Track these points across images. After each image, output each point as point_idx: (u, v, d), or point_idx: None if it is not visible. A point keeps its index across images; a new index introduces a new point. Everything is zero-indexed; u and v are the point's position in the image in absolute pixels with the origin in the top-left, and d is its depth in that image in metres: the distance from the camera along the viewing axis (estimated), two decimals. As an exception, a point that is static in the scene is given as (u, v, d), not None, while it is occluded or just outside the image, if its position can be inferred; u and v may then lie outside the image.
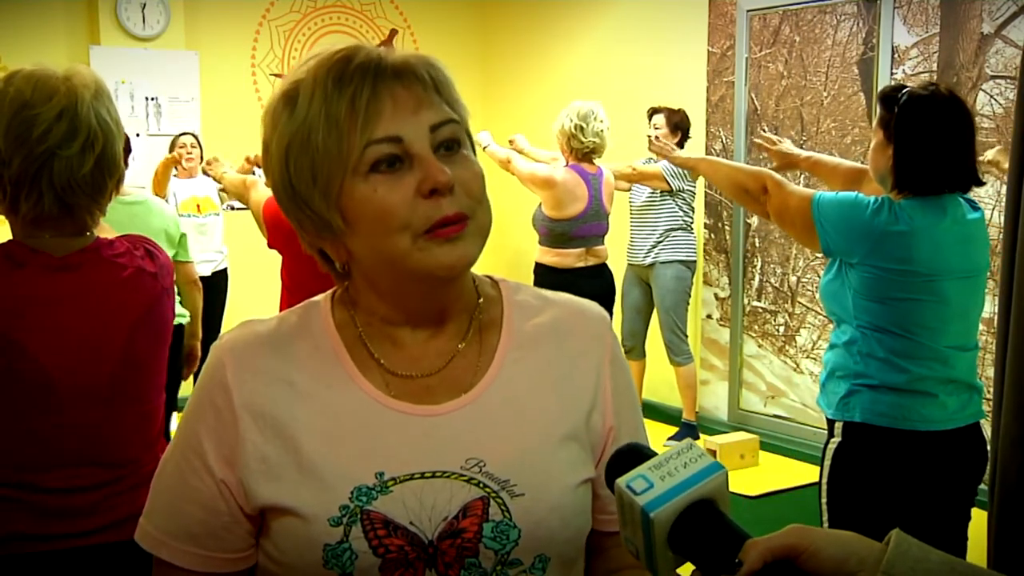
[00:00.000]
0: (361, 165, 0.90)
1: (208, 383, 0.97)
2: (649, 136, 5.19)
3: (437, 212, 0.90)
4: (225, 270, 5.49)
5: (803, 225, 2.30)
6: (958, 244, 2.23)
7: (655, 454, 0.82)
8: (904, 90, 2.26)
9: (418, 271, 0.92)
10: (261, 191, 3.25)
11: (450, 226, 0.91)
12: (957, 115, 2.23)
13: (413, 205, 0.90)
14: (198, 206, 5.32)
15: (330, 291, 1.04)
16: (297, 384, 0.96)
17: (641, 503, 0.77)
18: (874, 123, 2.35)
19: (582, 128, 4.36)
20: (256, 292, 5.08)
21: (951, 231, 2.22)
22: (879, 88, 4.68)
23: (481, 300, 1.04)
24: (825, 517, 2.33)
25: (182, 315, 4.35)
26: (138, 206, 3.46)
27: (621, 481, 0.80)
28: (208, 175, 3.90)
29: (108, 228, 1.71)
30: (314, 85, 0.92)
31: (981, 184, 2.31)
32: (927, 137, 2.21)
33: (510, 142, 5.02)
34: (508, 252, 6.48)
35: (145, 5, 5.75)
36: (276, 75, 6.45)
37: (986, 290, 2.38)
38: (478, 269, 1.04)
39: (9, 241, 1.57)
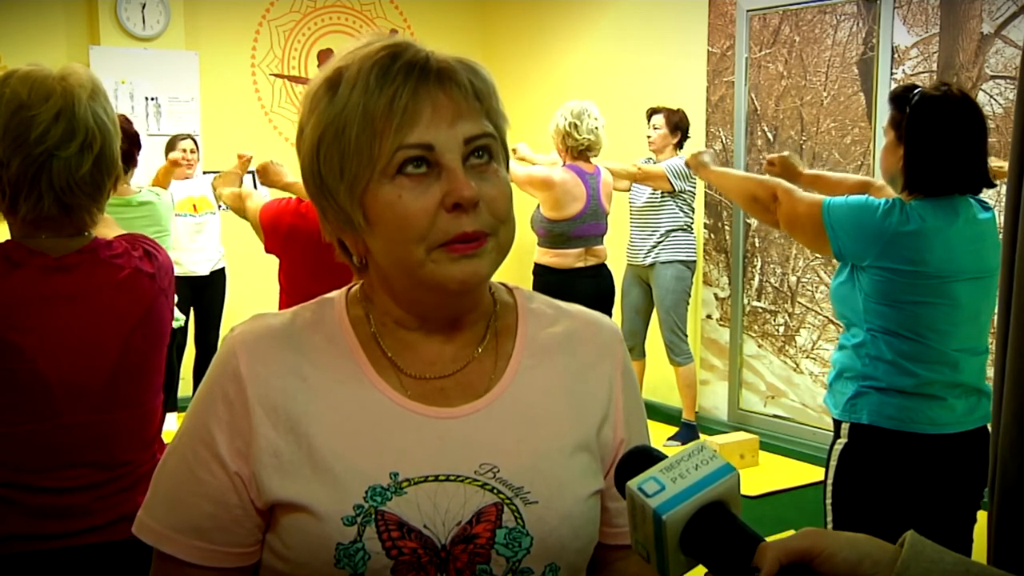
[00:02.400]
0: (389, 167, 0.90)
1: (220, 374, 0.96)
2: (649, 136, 5.21)
3: (456, 228, 0.90)
4: (223, 269, 5.50)
5: (814, 231, 2.28)
6: (970, 245, 2.22)
7: (665, 456, 0.81)
8: (916, 90, 2.24)
9: (429, 282, 0.92)
10: (256, 200, 3.29)
11: (468, 243, 0.90)
12: (969, 116, 2.21)
13: (434, 217, 0.89)
14: (194, 206, 5.32)
15: (344, 288, 1.04)
16: (310, 379, 0.95)
17: (653, 505, 0.77)
18: (884, 123, 2.33)
19: (576, 126, 4.37)
20: (255, 291, 5.08)
21: (963, 232, 2.21)
22: (879, 88, 4.68)
23: (497, 307, 1.04)
24: (829, 518, 2.32)
25: (177, 319, 4.36)
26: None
27: (632, 483, 0.79)
28: (214, 190, 3.95)
29: (112, 223, 1.71)
30: (357, 76, 0.91)
31: (992, 186, 2.30)
32: (939, 138, 2.19)
33: (512, 151, 5.01)
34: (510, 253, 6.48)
35: (145, 5, 5.74)
36: (276, 75, 6.45)
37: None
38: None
39: (7, 241, 1.56)
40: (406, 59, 0.91)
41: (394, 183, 0.90)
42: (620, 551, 1.05)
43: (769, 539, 0.77)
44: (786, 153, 2.97)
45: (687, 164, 3.13)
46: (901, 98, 2.26)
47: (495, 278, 1.08)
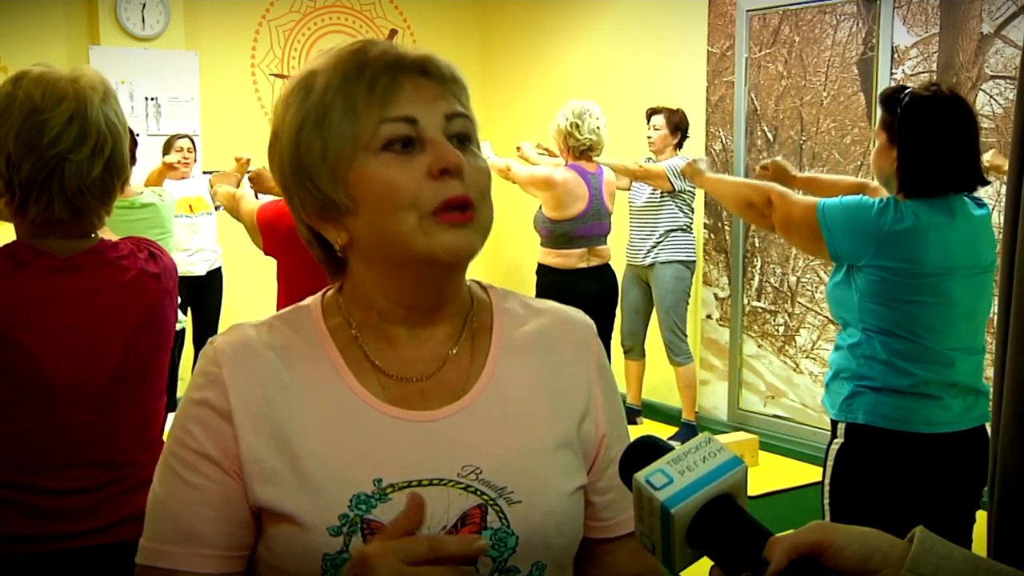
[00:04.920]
0: (374, 142, 0.90)
1: (203, 383, 0.95)
2: (649, 137, 5.21)
3: (445, 193, 0.90)
4: (219, 269, 5.50)
5: (809, 233, 2.28)
6: (965, 242, 2.22)
7: (671, 448, 0.81)
8: (906, 91, 2.24)
9: (420, 254, 0.91)
10: (251, 201, 3.29)
11: (457, 212, 0.91)
12: (960, 115, 2.21)
13: (422, 185, 0.90)
14: (190, 206, 5.33)
15: (319, 294, 1.03)
16: (291, 387, 0.95)
17: (661, 498, 0.76)
18: (876, 125, 2.33)
19: (578, 125, 4.37)
20: (251, 291, 5.09)
21: (959, 229, 2.21)
22: (879, 88, 4.68)
23: (474, 303, 1.04)
24: (827, 518, 2.32)
25: (180, 321, 4.37)
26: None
27: (640, 475, 0.78)
28: (211, 186, 3.98)
29: (106, 231, 1.71)
30: (333, 72, 0.92)
31: (986, 184, 2.30)
32: (931, 138, 2.19)
33: (517, 149, 5.00)
34: (504, 262, 6.49)
35: (145, 5, 5.75)
36: (276, 75, 6.45)
37: (993, 292, 2.37)
38: (473, 275, 1.04)
39: (13, 242, 1.56)
40: (379, 50, 0.93)
41: (379, 158, 0.91)
42: (608, 544, 1.05)
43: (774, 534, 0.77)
44: (778, 158, 2.97)
45: (683, 173, 3.16)
46: (891, 100, 2.26)
47: (487, 281, 1.08)
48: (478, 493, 0.93)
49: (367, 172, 0.91)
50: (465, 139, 0.94)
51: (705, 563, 0.80)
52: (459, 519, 0.92)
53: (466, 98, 0.97)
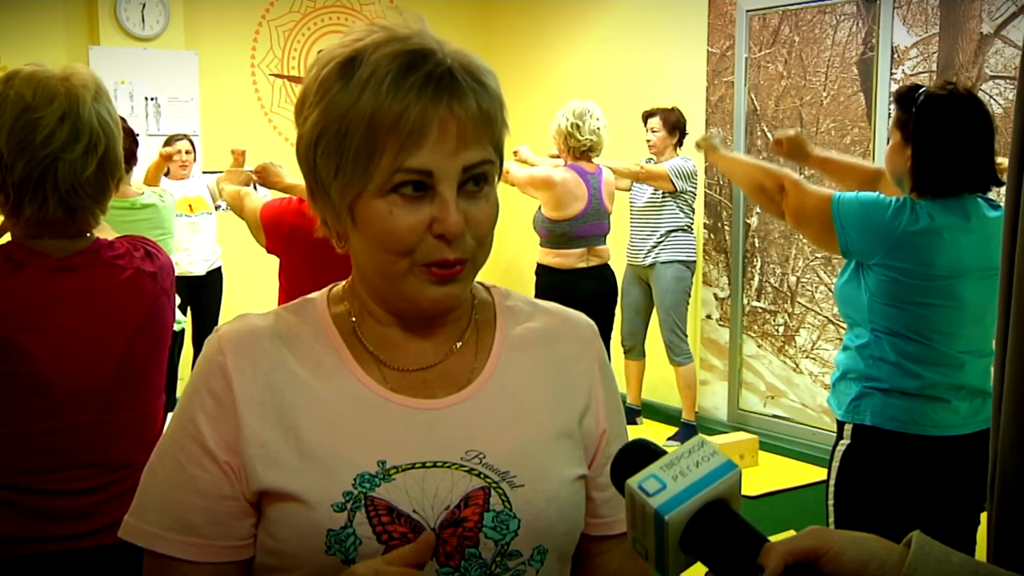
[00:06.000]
0: (385, 185, 0.90)
1: (207, 371, 0.97)
2: (649, 140, 5.20)
3: (439, 253, 0.92)
4: (219, 268, 5.50)
5: (821, 226, 2.26)
6: (979, 244, 2.19)
7: (663, 452, 0.80)
8: (921, 90, 2.21)
9: (405, 295, 0.94)
10: (255, 200, 3.28)
11: (446, 269, 0.92)
12: (976, 114, 2.19)
13: (421, 236, 0.91)
14: (190, 206, 5.32)
15: (326, 288, 1.05)
16: (296, 375, 0.96)
17: (654, 505, 0.76)
18: (890, 124, 2.30)
19: (579, 126, 4.36)
20: (251, 290, 5.08)
21: (973, 231, 2.18)
22: (879, 89, 4.68)
23: (476, 302, 1.06)
24: (832, 519, 2.30)
25: (179, 322, 4.37)
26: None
27: (632, 481, 0.78)
28: (217, 184, 3.98)
29: (108, 228, 1.71)
30: (373, 72, 0.89)
31: (1000, 185, 2.27)
32: (946, 138, 2.17)
33: (514, 153, 4.99)
34: (503, 262, 6.48)
35: (145, 5, 5.74)
36: (276, 75, 6.44)
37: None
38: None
39: (9, 242, 1.56)
40: (424, 71, 0.90)
41: (386, 199, 0.91)
42: (602, 543, 1.07)
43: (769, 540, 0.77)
44: (793, 131, 2.85)
45: (697, 145, 3.09)
46: (906, 98, 2.23)
47: (485, 280, 1.09)
48: (481, 476, 0.95)
49: (372, 209, 0.91)
50: (481, 180, 0.94)
51: (700, 568, 0.80)
52: (462, 500, 0.93)
53: (498, 123, 0.94)
